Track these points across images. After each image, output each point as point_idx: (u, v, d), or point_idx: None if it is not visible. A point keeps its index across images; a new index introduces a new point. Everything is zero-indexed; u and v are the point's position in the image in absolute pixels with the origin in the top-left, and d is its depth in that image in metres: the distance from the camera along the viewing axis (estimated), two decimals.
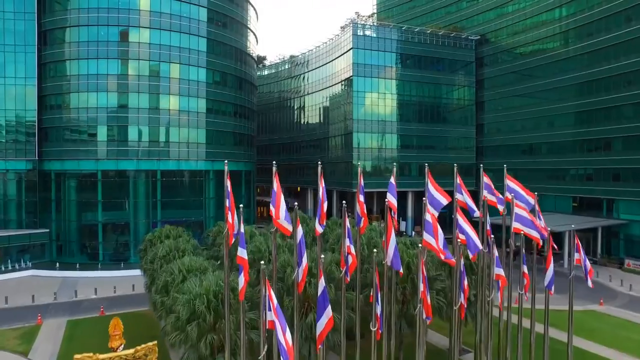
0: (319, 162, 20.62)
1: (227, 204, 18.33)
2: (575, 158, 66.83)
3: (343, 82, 79.24)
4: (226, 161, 19.88)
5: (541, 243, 22.39)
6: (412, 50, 79.38)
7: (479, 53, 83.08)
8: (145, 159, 58.08)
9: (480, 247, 22.35)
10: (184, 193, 61.91)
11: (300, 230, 17.54)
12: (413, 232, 79.99)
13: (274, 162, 20.17)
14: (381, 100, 77.49)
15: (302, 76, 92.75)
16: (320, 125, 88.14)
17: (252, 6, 72.08)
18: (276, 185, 17.40)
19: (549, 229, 22.58)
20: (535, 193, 26.13)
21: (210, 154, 62.58)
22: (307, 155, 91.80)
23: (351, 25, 76.54)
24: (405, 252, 27.58)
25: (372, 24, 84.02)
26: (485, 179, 26.04)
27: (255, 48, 76.14)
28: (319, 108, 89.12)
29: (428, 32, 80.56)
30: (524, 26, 75.46)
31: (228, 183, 18.41)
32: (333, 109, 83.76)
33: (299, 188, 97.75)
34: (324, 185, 20.57)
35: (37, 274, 51.80)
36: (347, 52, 76.76)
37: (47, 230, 58.43)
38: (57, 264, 54.24)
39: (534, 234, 23.40)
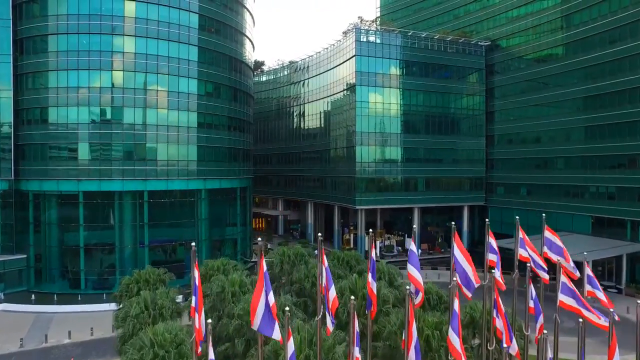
0: (320, 235, 15.95)
1: (194, 303, 13.78)
2: (595, 175, 62.04)
3: (345, 91, 74.56)
4: (194, 247, 15.14)
5: (604, 325, 17.71)
6: (419, 57, 74.62)
7: (489, 60, 78.31)
8: (130, 179, 53.38)
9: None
10: (174, 215, 57.28)
11: (290, 346, 12.87)
12: (419, 251, 75.25)
13: (260, 239, 15.45)
14: (386, 111, 72.76)
15: (301, 83, 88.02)
16: (321, 135, 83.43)
17: (249, 11, 67.30)
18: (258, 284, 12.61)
19: (612, 310, 17.84)
20: (585, 253, 21.44)
21: (202, 172, 57.91)
22: (308, 166, 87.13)
23: (354, 30, 71.85)
24: (422, 319, 22.96)
25: (376, 29, 79.21)
26: (548, 233, 21.22)
27: (251, 55, 71.46)
28: (320, 117, 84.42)
29: (435, 37, 75.80)
30: (538, 31, 70.69)
31: (196, 274, 13.81)
32: (335, 119, 79.05)
33: (299, 199, 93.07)
34: (326, 264, 15.90)
35: (9, 308, 47.06)
36: (349, 59, 72.01)
37: (25, 255, 53.86)
38: (33, 296, 49.56)
39: (589, 314, 18.69)
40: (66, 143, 53.30)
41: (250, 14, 68.40)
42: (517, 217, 21.87)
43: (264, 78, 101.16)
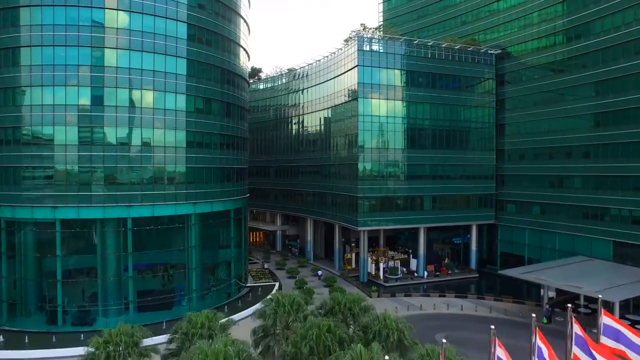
0: None
1: None
2: (617, 196, 57.44)
3: (346, 103, 69.89)
4: None
5: None
6: (425, 67, 69.93)
7: (499, 69, 73.80)
8: (112, 205, 48.61)
9: None
10: (162, 243, 52.63)
11: None
12: (425, 272, 70.78)
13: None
14: (390, 124, 68.13)
15: (300, 93, 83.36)
16: (321, 149, 78.76)
17: (243, 19, 62.47)
18: None
19: None
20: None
21: (192, 195, 53.13)
22: (307, 180, 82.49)
23: (356, 38, 67.23)
24: None
25: (379, 36, 74.43)
26: (607, 319, 16.58)
27: (247, 66, 66.65)
28: (320, 129, 79.81)
29: (443, 45, 71.09)
30: (554, 39, 66.07)
31: None
32: (335, 132, 74.40)
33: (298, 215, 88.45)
34: None
35: None
36: (351, 69, 67.38)
37: None
38: (1, 337, 44.80)
39: None
40: (41, 166, 48.47)
41: (245, 21, 63.62)
42: (569, 306, 17.13)
43: (261, 86, 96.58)
